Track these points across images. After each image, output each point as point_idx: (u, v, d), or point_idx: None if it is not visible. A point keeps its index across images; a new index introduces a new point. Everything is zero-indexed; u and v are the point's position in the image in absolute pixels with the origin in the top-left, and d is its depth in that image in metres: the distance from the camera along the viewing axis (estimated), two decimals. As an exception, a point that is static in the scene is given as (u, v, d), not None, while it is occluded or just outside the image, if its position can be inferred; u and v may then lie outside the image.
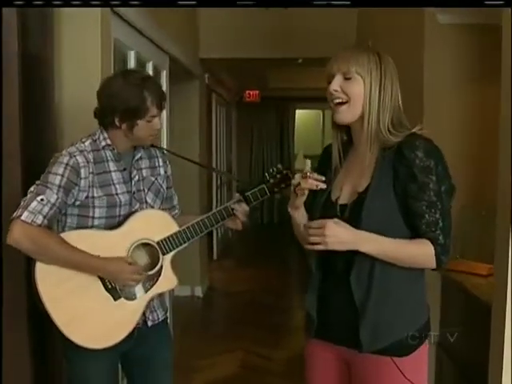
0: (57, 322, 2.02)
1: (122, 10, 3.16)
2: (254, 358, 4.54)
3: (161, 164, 2.31)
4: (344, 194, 1.80)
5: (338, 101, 1.75)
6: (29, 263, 2.08)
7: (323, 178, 1.73)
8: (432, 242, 1.68)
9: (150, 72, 3.99)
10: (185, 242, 2.14)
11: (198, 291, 5.83)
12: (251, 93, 9.09)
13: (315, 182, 1.72)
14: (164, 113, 2.94)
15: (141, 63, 3.84)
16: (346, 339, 1.77)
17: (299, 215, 1.87)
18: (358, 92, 1.73)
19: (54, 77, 2.74)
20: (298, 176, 1.75)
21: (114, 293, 2.09)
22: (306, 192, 1.76)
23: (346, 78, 1.73)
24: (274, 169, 2.11)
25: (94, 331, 2.07)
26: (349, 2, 2.27)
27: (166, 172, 2.32)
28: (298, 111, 10.60)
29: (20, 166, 2.33)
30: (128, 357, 2.23)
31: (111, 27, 3.02)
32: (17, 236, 1.94)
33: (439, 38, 3.35)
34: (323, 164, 1.92)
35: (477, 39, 3.29)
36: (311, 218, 1.83)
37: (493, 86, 3.27)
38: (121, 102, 2.05)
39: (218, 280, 6.67)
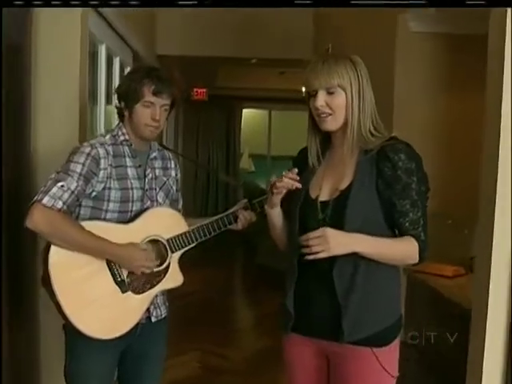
0: (65, 309, 2.02)
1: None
2: (212, 358, 4.49)
3: (172, 166, 2.38)
4: (324, 192, 1.87)
5: (324, 115, 1.83)
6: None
7: (297, 177, 1.80)
8: (415, 239, 1.78)
9: (117, 68, 3.91)
10: (193, 242, 2.19)
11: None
12: (199, 91, 9.01)
13: (291, 182, 1.80)
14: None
15: (109, 58, 3.76)
16: (326, 331, 1.82)
17: (275, 214, 1.94)
18: (342, 103, 1.81)
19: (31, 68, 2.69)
20: (274, 176, 1.84)
21: (122, 285, 2.11)
22: (283, 191, 1.83)
23: (329, 93, 1.80)
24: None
25: (100, 321, 2.08)
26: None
27: (176, 175, 2.39)
28: (244, 111, 10.56)
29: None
30: (126, 351, 2.24)
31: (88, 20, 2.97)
32: (36, 219, 1.97)
33: (411, 45, 3.41)
34: (299, 165, 1.94)
35: (449, 48, 3.36)
36: (290, 216, 1.91)
37: (464, 95, 3.40)
38: (123, 86, 2.20)
39: None
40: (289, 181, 1.80)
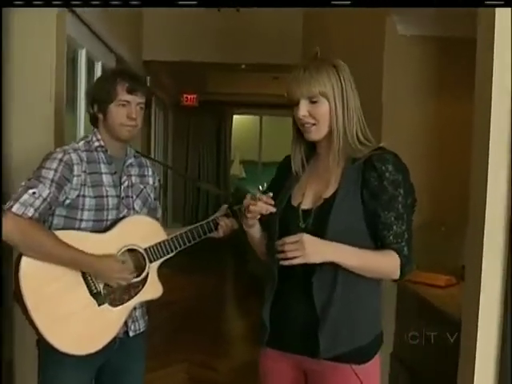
0: (38, 324, 1.95)
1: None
2: (199, 370, 4.40)
3: (150, 174, 2.32)
4: (306, 200, 1.82)
5: (308, 125, 1.78)
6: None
7: (273, 202, 1.77)
8: (398, 253, 1.72)
9: (99, 73, 3.83)
10: (172, 251, 2.13)
11: (134, 301, 5.71)
12: (189, 96, 8.98)
13: (265, 206, 1.77)
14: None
15: (90, 62, 3.69)
16: (303, 346, 1.76)
17: (254, 231, 1.92)
18: (325, 112, 1.76)
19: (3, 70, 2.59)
20: (248, 198, 1.80)
21: (99, 298, 2.05)
22: (257, 216, 1.80)
23: (312, 102, 1.76)
24: (265, 184, 2.11)
25: (75, 337, 2.01)
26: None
27: (154, 183, 2.33)
28: (235, 116, 10.54)
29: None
30: (104, 366, 2.18)
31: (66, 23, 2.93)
32: (6, 227, 1.92)
33: (399, 48, 3.34)
34: (283, 171, 1.94)
35: (438, 52, 3.31)
36: (271, 224, 1.85)
37: (454, 99, 3.34)
38: (95, 89, 2.17)
39: None
40: (263, 205, 1.77)
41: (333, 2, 2.62)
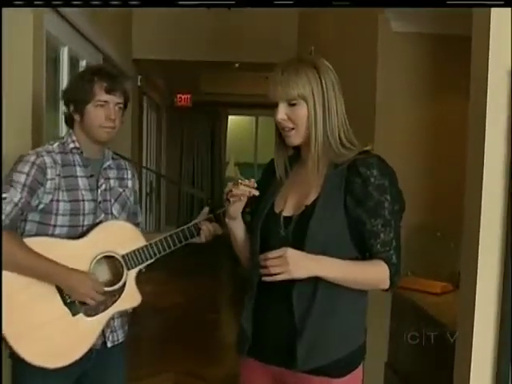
0: (5, 333, 1.88)
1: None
2: (188, 379, 4.29)
3: (129, 177, 2.25)
4: (288, 207, 1.78)
5: (287, 129, 1.74)
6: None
7: (255, 185, 1.73)
8: (386, 262, 1.67)
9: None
10: (151, 258, 2.08)
11: (125, 306, 5.59)
12: (183, 97, 8.91)
13: (247, 188, 1.72)
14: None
15: (74, 61, 3.61)
16: (282, 358, 1.72)
17: (236, 226, 1.85)
18: (304, 115, 1.71)
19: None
20: (230, 183, 1.76)
21: (73, 308, 1.98)
22: (244, 199, 1.74)
23: (291, 105, 1.71)
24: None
25: (48, 349, 1.94)
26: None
27: (133, 186, 2.27)
28: (230, 117, 10.47)
29: None
30: (81, 379, 2.10)
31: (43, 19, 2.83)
32: None
33: (393, 46, 3.29)
34: (268, 176, 1.89)
35: (432, 49, 3.27)
36: (252, 230, 1.82)
37: (449, 98, 3.31)
38: (71, 89, 2.10)
39: (146, 293, 6.24)
40: (245, 188, 1.72)
41: (333, 3, 2.55)
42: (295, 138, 1.74)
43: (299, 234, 1.68)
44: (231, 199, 1.76)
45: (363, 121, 3.24)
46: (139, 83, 6.32)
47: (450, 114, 3.25)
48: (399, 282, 1.70)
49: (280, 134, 1.79)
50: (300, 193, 1.77)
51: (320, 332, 1.67)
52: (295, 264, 1.61)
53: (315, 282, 1.66)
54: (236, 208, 1.78)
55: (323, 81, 1.70)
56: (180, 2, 2.25)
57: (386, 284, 1.68)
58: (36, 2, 2.31)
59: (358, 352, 1.75)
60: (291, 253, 1.62)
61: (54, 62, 3.33)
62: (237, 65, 6.55)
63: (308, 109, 1.70)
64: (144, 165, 7.50)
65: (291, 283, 1.67)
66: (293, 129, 1.73)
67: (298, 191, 1.78)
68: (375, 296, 1.83)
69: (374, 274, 1.69)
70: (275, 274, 1.62)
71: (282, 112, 1.72)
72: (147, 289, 6.32)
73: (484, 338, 2.03)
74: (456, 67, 2.73)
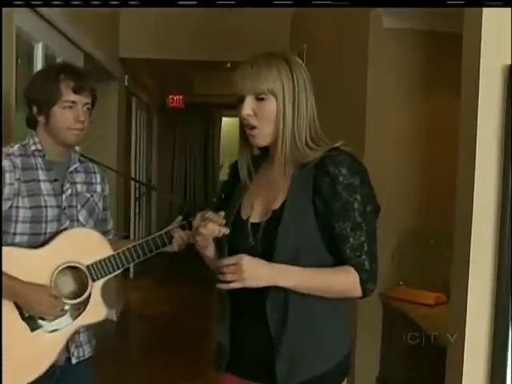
0: None
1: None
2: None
3: (98, 181, 2.17)
4: (256, 212, 1.70)
5: (250, 127, 1.64)
6: None
7: (224, 221, 1.64)
8: (357, 269, 1.58)
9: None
10: (118, 269, 1.98)
11: (112, 314, 5.32)
12: (175, 98, 8.80)
13: (216, 227, 1.64)
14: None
15: (49, 58, 3.47)
16: (261, 374, 1.65)
17: (209, 252, 1.76)
18: (272, 111, 1.62)
19: None
20: (198, 218, 1.68)
21: (32, 322, 1.90)
22: (210, 239, 1.67)
23: (258, 99, 1.61)
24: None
25: (5, 365, 1.83)
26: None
27: (103, 191, 2.19)
28: (224, 119, 10.39)
29: None
30: None
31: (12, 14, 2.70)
32: None
33: (384, 43, 3.27)
34: (233, 178, 1.80)
35: (424, 46, 3.23)
36: (219, 240, 1.72)
37: (440, 95, 3.27)
38: (33, 88, 2.00)
39: (134, 301, 6.24)
40: (214, 227, 1.63)
41: (333, 3, 2.57)
42: (260, 138, 1.64)
43: (268, 242, 1.59)
44: (198, 238, 1.68)
45: (354, 119, 3.23)
46: (126, 83, 6.20)
47: (443, 111, 3.21)
48: (374, 289, 1.61)
49: (244, 133, 1.69)
50: (267, 196, 1.68)
51: (298, 346, 1.59)
52: (251, 272, 1.54)
53: (285, 293, 1.59)
54: (204, 242, 1.69)
55: (295, 77, 1.62)
56: (180, 2, 2.24)
57: (358, 292, 1.59)
58: (34, 2, 2.27)
59: (344, 362, 1.67)
60: (246, 260, 1.55)
61: (27, 58, 3.20)
62: (228, 65, 6.45)
63: (277, 104, 1.60)
64: (133, 167, 7.40)
65: (263, 293, 1.59)
66: (256, 128, 1.62)
67: (265, 195, 1.69)
68: (365, 309, 1.71)
69: (342, 281, 1.60)
70: (230, 282, 1.56)
71: (248, 107, 1.61)
72: (135, 296, 6.26)
73: (475, 350, 2.00)
74: (448, 64, 2.68)
